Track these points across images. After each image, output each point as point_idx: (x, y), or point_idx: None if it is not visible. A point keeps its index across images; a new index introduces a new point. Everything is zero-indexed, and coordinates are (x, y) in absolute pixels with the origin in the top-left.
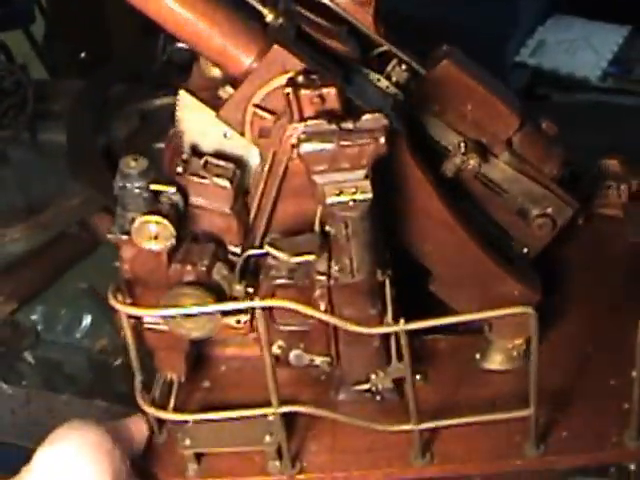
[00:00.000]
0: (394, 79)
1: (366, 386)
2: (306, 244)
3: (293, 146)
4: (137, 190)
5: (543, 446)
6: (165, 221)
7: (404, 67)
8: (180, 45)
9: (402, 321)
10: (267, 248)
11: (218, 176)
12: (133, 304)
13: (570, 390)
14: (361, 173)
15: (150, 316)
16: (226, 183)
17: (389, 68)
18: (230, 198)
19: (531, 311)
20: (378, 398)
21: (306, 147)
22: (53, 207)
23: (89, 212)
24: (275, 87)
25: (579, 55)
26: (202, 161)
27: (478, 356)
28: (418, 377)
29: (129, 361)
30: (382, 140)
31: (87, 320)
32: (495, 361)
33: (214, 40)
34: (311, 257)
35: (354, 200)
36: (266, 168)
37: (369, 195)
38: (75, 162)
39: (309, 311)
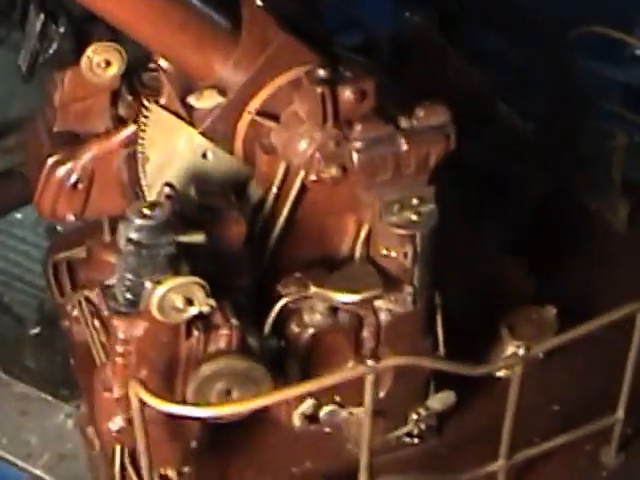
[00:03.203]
0: None
1: (406, 429)
2: (361, 277)
3: (321, 160)
4: (159, 248)
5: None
6: (204, 283)
7: None
8: None
9: (522, 349)
10: (316, 290)
11: (224, 209)
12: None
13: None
14: (424, 178)
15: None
16: (238, 217)
17: None
18: (242, 234)
19: None
20: (416, 441)
21: (366, 155)
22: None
23: None
24: (278, 87)
25: None
26: (192, 190)
27: None
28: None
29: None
30: (453, 136)
31: None
32: None
33: (179, 44)
34: (376, 292)
35: (419, 213)
36: (274, 190)
37: (433, 205)
38: None
39: (442, 365)
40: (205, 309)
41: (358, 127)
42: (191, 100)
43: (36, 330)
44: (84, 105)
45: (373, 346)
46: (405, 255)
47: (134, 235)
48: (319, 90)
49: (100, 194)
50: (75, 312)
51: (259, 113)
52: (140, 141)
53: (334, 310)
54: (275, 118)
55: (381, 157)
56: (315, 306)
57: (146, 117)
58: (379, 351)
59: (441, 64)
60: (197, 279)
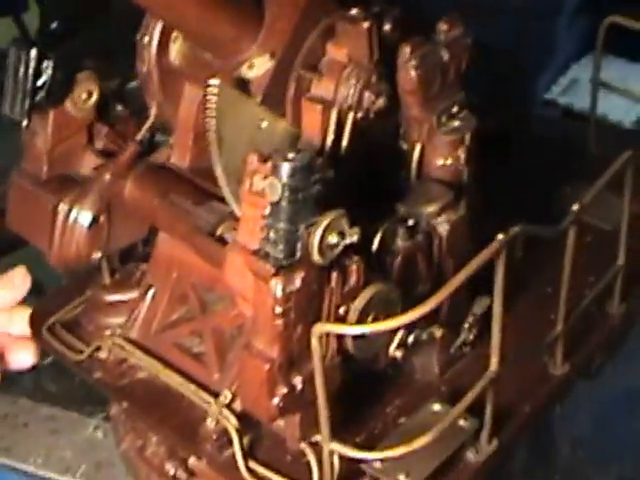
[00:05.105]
0: None
1: (462, 339)
2: (430, 191)
3: (371, 95)
4: (312, 188)
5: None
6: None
7: None
8: None
9: (576, 205)
10: (406, 209)
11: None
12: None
13: None
14: (458, 85)
15: None
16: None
17: None
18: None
19: None
20: (466, 350)
21: (422, 72)
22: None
23: None
24: (313, 39)
25: (614, 97)
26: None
27: None
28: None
29: None
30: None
31: None
32: None
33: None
34: (450, 197)
35: (460, 118)
36: (331, 137)
37: (469, 111)
38: None
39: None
40: (355, 238)
41: (407, 48)
42: (243, 72)
43: (49, 360)
44: (67, 145)
45: (438, 259)
46: (459, 159)
47: (289, 181)
48: (366, 25)
49: (120, 222)
50: (112, 357)
51: (306, 67)
52: (211, 123)
53: (411, 232)
54: (315, 70)
55: (432, 71)
56: (397, 231)
57: (214, 95)
58: (443, 263)
59: None
60: (341, 210)
